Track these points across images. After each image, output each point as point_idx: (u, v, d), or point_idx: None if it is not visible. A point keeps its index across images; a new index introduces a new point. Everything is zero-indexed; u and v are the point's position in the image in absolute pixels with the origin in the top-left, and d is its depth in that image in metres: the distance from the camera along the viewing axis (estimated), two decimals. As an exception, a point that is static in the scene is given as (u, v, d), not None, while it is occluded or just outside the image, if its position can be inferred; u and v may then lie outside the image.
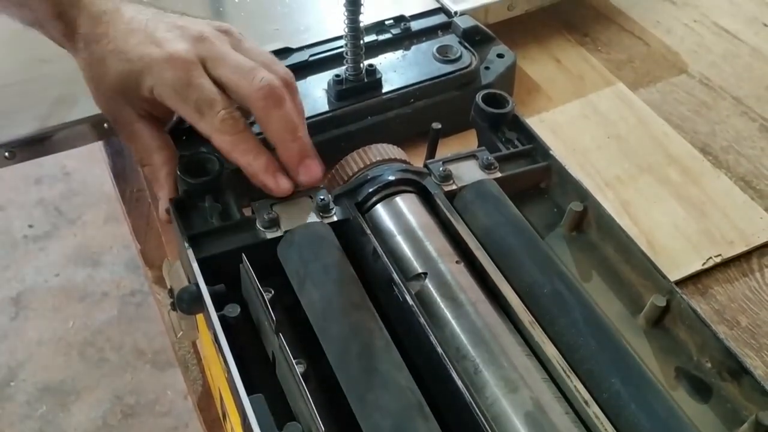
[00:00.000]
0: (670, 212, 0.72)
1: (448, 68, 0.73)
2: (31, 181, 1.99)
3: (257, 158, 0.48)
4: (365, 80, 0.71)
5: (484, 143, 0.58)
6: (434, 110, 0.71)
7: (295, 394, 0.39)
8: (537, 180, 0.56)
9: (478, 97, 0.58)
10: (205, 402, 0.58)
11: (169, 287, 0.52)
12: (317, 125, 0.70)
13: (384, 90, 0.72)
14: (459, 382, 0.40)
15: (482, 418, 0.39)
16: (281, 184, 0.47)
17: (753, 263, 0.69)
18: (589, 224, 0.53)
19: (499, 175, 0.54)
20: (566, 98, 0.86)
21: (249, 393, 0.38)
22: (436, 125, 0.56)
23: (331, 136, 0.70)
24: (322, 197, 0.49)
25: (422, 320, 0.43)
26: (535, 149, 0.56)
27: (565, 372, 0.42)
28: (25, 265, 1.83)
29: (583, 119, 0.83)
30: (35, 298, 1.76)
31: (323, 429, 0.36)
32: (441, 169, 0.52)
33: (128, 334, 1.71)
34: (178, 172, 0.48)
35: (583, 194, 0.53)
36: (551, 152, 0.55)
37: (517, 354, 0.42)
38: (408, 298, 0.44)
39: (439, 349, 0.42)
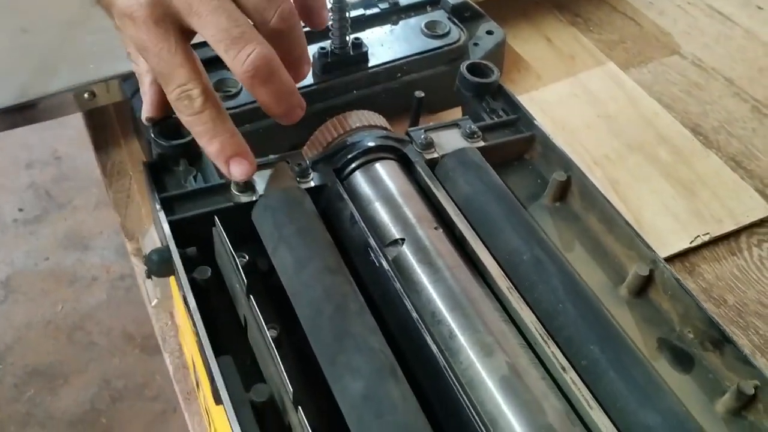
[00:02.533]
0: (658, 191, 0.71)
1: (437, 43, 0.72)
2: (21, 165, 1.98)
3: (211, 142, 0.44)
4: (351, 53, 0.70)
5: (469, 115, 0.57)
6: (421, 85, 0.70)
7: (265, 357, 0.38)
8: (521, 151, 0.55)
9: (463, 67, 0.57)
10: (181, 374, 0.57)
11: (144, 254, 0.51)
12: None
13: (370, 64, 0.71)
14: (433, 347, 0.39)
15: (456, 383, 0.38)
16: (233, 171, 0.44)
17: (741, 242, 0.69)
18: (572, 194, 0.52)
19: (482, 144, 0.53)
20: (556, 77, 0.85)
21: (218, 356, 0.37)
22: (419, 94, 0.55)
23: (316, 110, 0.69)
24: (299, 162, 0.47)
25: (397, 285, 0.42)
26: (520, 119, 0.55)
27: (542, 338, 0.41)
28: (14, 249, 1.82)
29: (572, 98, 0.82)
30: (24, 281, 1.75)
31: (291, 390, 0.35)
32: (422, 136, 0.51)
33: (117, 318, 1.70)
34: (152, 135, 0.46)
35: (567, 164, 0.52)
36: (536, 122, 0.54)
37: (493, 319, 0.41)
38: (384, 262, 0.43)
39: (414, 314, 0.41)
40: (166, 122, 0.48)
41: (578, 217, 0.52)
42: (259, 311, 0.39)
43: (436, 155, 0.51)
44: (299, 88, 0.69)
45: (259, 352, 0.40)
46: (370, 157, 0.49)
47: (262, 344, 0.39)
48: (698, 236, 0.67)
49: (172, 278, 0.48)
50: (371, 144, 0.49)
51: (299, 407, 0.35)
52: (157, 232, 0.48)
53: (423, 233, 0.45)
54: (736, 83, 0.86)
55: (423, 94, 0.55)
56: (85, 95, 0.68)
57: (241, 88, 0.67)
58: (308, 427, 0.34)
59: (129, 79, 0.70)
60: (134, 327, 1.70)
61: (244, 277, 0.40)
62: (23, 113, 0.68)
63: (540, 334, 0.41)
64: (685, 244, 0.66)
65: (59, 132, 2.05)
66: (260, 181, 0.47)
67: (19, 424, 1.53)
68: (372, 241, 0.44)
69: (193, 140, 0.47)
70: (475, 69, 0.57)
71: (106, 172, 0.71)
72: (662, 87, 0.85)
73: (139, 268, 0.64)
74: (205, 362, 0.38)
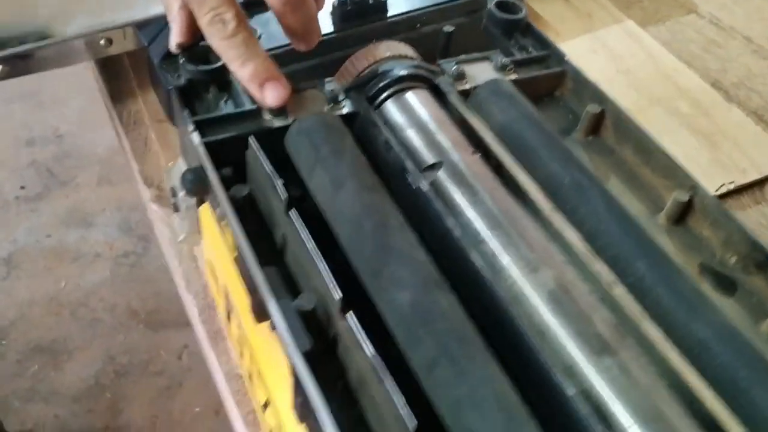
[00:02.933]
0: (680, 143, 0.70)
1: (457, -6, 0.71)
2: (22, 143, 1.96)
3: (244, 66, 0.45)
4: (370, 2, 0.69)
5: (498, 52, 0.56)
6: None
7: (309, 269, 0.38)
8: (551, 86, 0.54)
9: (492, 4, 0.56)
10: (207, 315, 0.56)
11: (170, 187, 0.50)
12: (320, 46, 0.68)
13: (389, 14, 0.70)
14: (478, 261, 0.39)
15: (502, 298, 0.38)
16: (267, 96, 0.44)
17: (766, 191, 0.68)
18: (605, 128, 0.51)
19: (514, 77, 0.52)
20: (574, 34, 0.84)
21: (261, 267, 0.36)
22: (449, 28, 0.54)
23: (335, 58, 0.68)
24: (331, 89, 0.47)
25: (437, 205, 0.41)
26: (549, 56, 0.55)
27: (587, 256, 0.40)
28: (16, 227, 1.80)
29: (591, 54, 0.82)
30: (27, 258, 1.73)
31: (340, 295, 0.35)
32: (454, 68, 0.50)
33: (121, 294, 1.69)
34: (181, 61, 0.45)
35: (600, 97, 0.51)
36: (566, 58, 0.54)
37: (537, 238, 0.41)
38: (421, 184, 0.42)
39: (456, 232, 0.40)
40: (195, 49, 0.47)
41: (612, 151, 0.51)
42: (301, 223, 0.38)
43: (468, 86, 0.50)
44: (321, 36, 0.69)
45: (301, 267, 0.39)
46: (402, 85, 0.48)
47: (305, 256, 0.38)
48: (723, 185, 0.67)
49: (201, 208, 0.47)
50: (403, 72, 0.48)
51: (350, 312, 0.34)
52: (185, 159, 0.47)
53: (460, 158, 0.44)
54: (755, 41, 0.85)
55: (452, 29, 0.54)
56: (102, 42, 0.66)
57: (260, 35, 0.66)
58: (361, 330, 0.33)
59: (146, 26, 0.69)
60: (138, 303, 1.69)
61: (284, 191, 0.39)
62: (37, 58, 0.67)
63: (585, 252, 0.40)
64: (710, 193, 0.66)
65: (60, 111, 2.03)
66: (293, 107, 0.46)
67: (23, 400, 1.52)
68: (409, 164, 0.43)
69: (222, 66, 0.46)
70: (504, 6, 0.56)
71: (122, 121, 0.70)
72: (680, 45, 0.84)
73: (159, 213, 0.63)
74: (245, 276, 0.37)
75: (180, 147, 0.48)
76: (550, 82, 0.54)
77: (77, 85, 2.02)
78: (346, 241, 0.39)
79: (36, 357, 1.58)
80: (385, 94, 0.47)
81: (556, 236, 0.42)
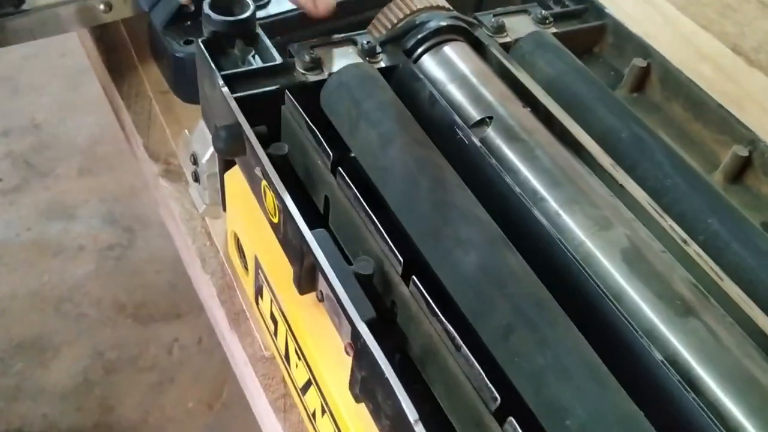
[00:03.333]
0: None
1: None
2: (-2, 134, 1.89)
3: None
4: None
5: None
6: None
7: (361, 233, 0.34)
8: (590, 42, 0.51)
9: (524, -44, 0.53)
10: (227, 295, 0.52)
11: (190, 154, 0.47)
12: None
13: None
14: (543, 221, 0.35)
15: (571, 259, 0.34)
16: (319, 4, 0.41)
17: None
18: (651, 83, 0.48)
19: (554, 30, 0.49)
20: (588, 0, 0.81)
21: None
22: (482, -20, 0.51)
23: (348, 22, 0.65)
24: (367, 41, 0.43)
25: (493, 162, 0.38)
26: (587, 10, 0.52)
27: (656, 212, 0.37)
28: (-6, 220, 1.73)
29: (607, 19, 0.79)
30: (6, 252, 1.67)
31: (401, 260, 0.31)
32: (493, 20, 0.47)
33: (107, 288, 1.63)
34: (206, 9, 0.42)
35: (645, 50, 0.48)
36: (607, 10, 0.51)
37: (601, 194, 0.38)
38: (474, 139, 0.39)
39: (517, 189, 0.37)
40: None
41: (659, 107, 0.48)
42: (348, 181, 0.35)
43: (508, 39, 0.47)
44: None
45: (352, 230, 0.35)
46: (441, 38, 0.44)
47: (356, 218, 0.34)
48: (754, 148, 0.64)
49: (228, 174, 0.44)
50: (442, 24, 0.44)
51: (413, 276, 0.31)
52: (209, 123, 0.43)
53: (510, 112, 0.41)
54: (770, 6, 0.83)
55: (487, -20, 0.50)
56: (101, 6, 0.62)
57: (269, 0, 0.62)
58: (426, 295, 0.30)
59: (145, -8, 0.65)
60: (125, 296, 1.63)
61: (328, 149, 0.36)
62: (33, 22, 0.62)
63: (654, 209, 0.37)
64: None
65: (35, 99, 1.96)
66: (327, 61, 0.42)
67: (9, 399, 1.47)
68: (458, 119, 0.40)
69: (249, 18, 0.42)
70: (536, -42, 0.53)
71: (123, 94, 0.66)
72: (695, 9, 0.82)
73: (169, 189, 0.59)
74: (289, 243, 0.34)
75: (202, 108, 0.44)
76: (589, 37, 0.51)
77: (54, 70, 1.95)
78: (398, 200, 0.36)
79: (20, 354, 1.52)
80: (423, 47, 0.44)
81: (619, 193, 0.39)
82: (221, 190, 0.46)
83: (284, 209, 0.34)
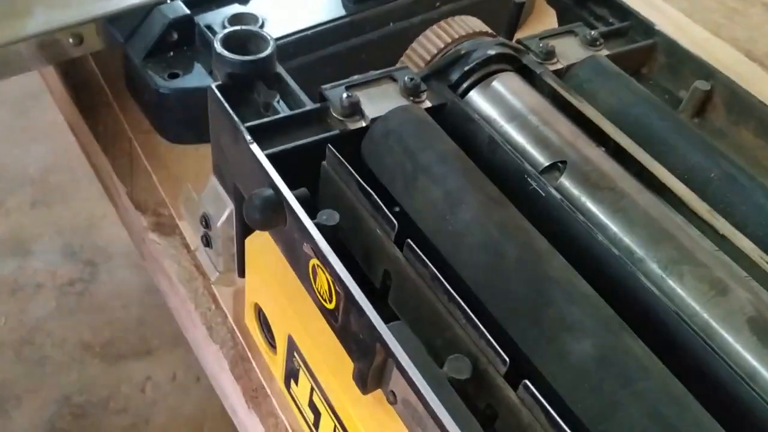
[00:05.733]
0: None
1: (480, -31, 0.63)
2: (-61, 167, 1.76)
3: None
4: (384, -22, 0.60)
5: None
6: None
7: (442, 319, 0.28)
8: (639, 63, 0.46)
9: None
10: (242, 369, 0.45)
11: (201, 214, 0.40)
12: (332, 32, 0.58)
13: (406, -8, 0.61)
14: (651, 288, 0.30)
15: (687, 334, 0.29)
16: None
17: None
18: (714, 107, 0.43)
19: (606, 52, 0.43)
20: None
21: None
22: (518, -1, 0.45)
23: (349, 46, 0.59)
24: (410, 77, 0.37)
25: (579, 217, 0.32)
26: (632, 27, 0.46)
27: (772, 267, 0.32)
28: (-58, 261, 1.61)
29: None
30: (-42, 295, 1.55)
31: (507, 360, 0.25)
32: (541, 44, 0.41)
33: (71, 327, 1.53)
34: (218, 48, 0.35)
35: (707, 71, 0.43)
36: (656, 27, 0.45)
37: (706, 249, 0.32)
38: (553, 191, 0.33)
39: (615, 250, 0.31)
40: (232, 35, 0.36)
41: (723, 133, 0.43)
42: (420, 253, 0.28)
43: (560, 65, 0.41)
44: (330, 21, 0.59)
45: (427, 316, 0.29)
46: (490, 68, 0.38)
47: (435, 303, 0.28)
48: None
49: (251, 239, 0.37)
50: (490, 53, 0.38)
51: (527, 381, 0.25)
52: (224, 181, 0.36)
53: (584, 154, 0.35)
54: (775, 8, 0.80)
55: (524, 0, 0.45)
56: (70, 39, 0.54)
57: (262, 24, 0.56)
58: (545, 404, 0.24)
59: (117, 21, 0.58)
60: (91, 335, 1.53)
61: (392, 219, 0.29)
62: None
63: (766, 262, 0.32)
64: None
65: (-21, 128, 1.84)
66: (366, 103, 0.36)
67: (-31, 456, 1.36)
68: (528, 167, 0.34)
69: (270, 56, 0.36)
70: (570, -28, 0.48)
71: (97, 135, 0.58)
72: (702, 15, 0.78)
73: (162, 245, 0.52)
74: (347, 332, 0.27)
75: (214, 163, 0.38)
76: (638, 58, 0.45)
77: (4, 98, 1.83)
78: (478, 275, 0.30)
79: (-21, 405, 1.41)
80: (470, 81, 0.38)
81: (721, 244, 0.33)
82: (238, 257, 0.39)
83: (347, 296, 0.28)
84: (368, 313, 0.27)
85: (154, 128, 0.58)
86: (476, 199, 0.31)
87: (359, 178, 0.31)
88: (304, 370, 0.35)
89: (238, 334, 0.47)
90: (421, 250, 0.30)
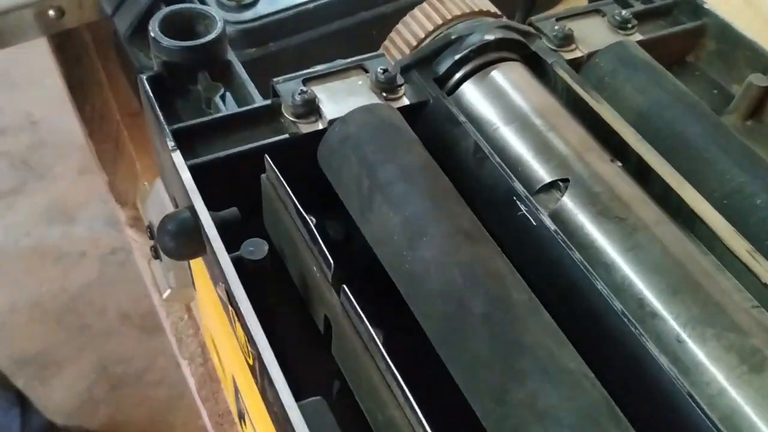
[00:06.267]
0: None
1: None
2: (-6, 132, 1.78)
3: None
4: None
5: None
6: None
7: (381, 394, 0.22)
8: (682, 50, 0.38)
9: (588, -65, 0.40)
10: (208, 390, 0.40)
11: (147, 224, 0.34)
12: (342, 4, 0.52)
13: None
14: (660, 360, 0.23)
15: (711, 422, 0.22)
16: None
17: None
18: (774, 107, 0.35)
19: (639, 37, 0.35)
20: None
21: (298, 396, 0.21)
22: (535, -30, 0.38)
23: (358, 21, 0.52)
24: (382, 68, 0.30)
25: (576, 255, 0.25)
26: (678, 5, 0.38)
27: (831, 333, 0.24)
28: (-9, 225, 1.63)
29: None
30: (5, 260, 1.57)
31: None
32: (556, 27, 0.34)
33: (111, 297, 1.53)
34: (154, 32, 0.29)
35: (766, 62, 0.35)
36: (706, 6, 0.37)
37: (741, 304, 0.25)
38: (546, 220, 0.26)
39: (617, 304, 0.24)
40: (175, 14, 0.30)
41: (784, 141, 0.35)
42: (354, 302, 0.22)
43: (579, 53, 0.34)
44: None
45: (364, 381, 0.23)
46: (487, 57, 0.31)
47: (369, 367, 0.22)
48: None
49: (195, 263, 0.31)
50: (488, 37, 0.31)
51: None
52: (166, 187, 0.31)
53: (593, 170, 0.28)
54: None
55: (542, -30, 0.37)
56: (50, 12, 0.50)
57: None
58: None
59: (108, -8, 0.53)
60: (131, 305, 1.53)
61: (329, 257, 0.23)
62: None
63: (824, 326, 0.25)
64: None
65: (33, 93, 1.84)
66: (327, 100, 0.29)
67: (9, 419, 1.38)
68: (519, 186, 0.27)
69: (216, 41, 0.30)
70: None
71: (84, 117, 0.54)
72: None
73: (139, 243, 0.48)
74: (275, 410, 0.21)
75: (157, 165, 0.32)
76: (682, 44, 0.37)
77: (51, 62, 1.84)
78: (436, 330, 0.23)
79: (21, 371, 1.43)
80: (462, 72, 0.31)
81: (763, 296, 0.26)
82: (191, 272, 0.34)
83: (259, 359, 0.22)
84: (278, 386, 0.21)
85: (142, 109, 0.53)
86: (441, 230, 0.24)
87: (295, 201, 0.24)
88: (248, 416, 0.30)
89: (209, 350, 0.42)
90: (376, 288, 0.24)
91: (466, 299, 0.23)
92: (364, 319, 0.22)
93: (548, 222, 0.26)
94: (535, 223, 0.26)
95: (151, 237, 0.34)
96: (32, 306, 1.56)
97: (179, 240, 0.24)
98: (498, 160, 0.28)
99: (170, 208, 0.33)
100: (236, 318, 0.23)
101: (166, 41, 0.28)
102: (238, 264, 0.24)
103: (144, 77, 0.28)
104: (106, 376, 1.46)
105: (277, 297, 0.26)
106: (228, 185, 0.27)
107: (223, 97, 0.30)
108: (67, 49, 0.58)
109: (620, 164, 0.29)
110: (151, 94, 0.28)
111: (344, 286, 0.22)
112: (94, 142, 0.53)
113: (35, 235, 1.66)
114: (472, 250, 0.24)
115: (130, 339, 1.51)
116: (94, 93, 0.55)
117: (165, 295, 0.36)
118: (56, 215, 1.69)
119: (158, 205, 0.32)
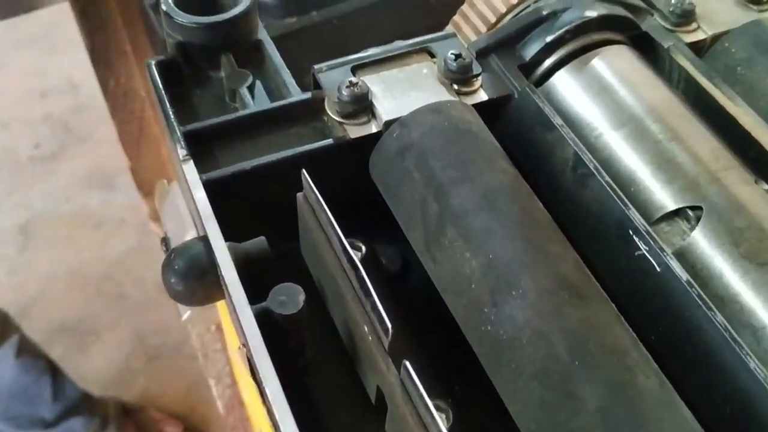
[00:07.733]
0: None
1: None
2: (35, 95, 1.76)
3: None
4: None
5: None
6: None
7: None
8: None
9: None
10: (236, 417, 0.35)
11: (163, 235, 0.29)
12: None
13: None
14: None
15: None
16: None
17: None
18: None
19: (777, 13, 0.28)
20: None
21: None
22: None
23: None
24: (454, 53, 0.23)
25: (719, 318, 0.19)
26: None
27: None
28: (31, 190, 1.62)
29: None
30: (45, 226, 1.56)
31: None
32: (674, 1, 0.26)
33: (150, 266, 1.50)
34: (167, 5, 0.23)
35: None
36: None
37: None
38: (675, 266, 0.19)
39: (760, 374, 0.18)
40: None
41: None
42: (418, 383, 0.16)
43: (702, 35, 0.27)
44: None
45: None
46: (587, 39, 0.24)
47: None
48: None
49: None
50: (590, 15, 0.24)
51: None
52: (186, 200, 0.25)
53: (732, 195, 0.21)
54: None
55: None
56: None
57: None
58: None
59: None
60: (169, 276, 1.50)
61: (386, 320, 0.17)
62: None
63: None
64: None
65: (74, 56, 1.81)
66: (382, 95, 0.23)
67: (48, 387, 1.37)
68: (636, 216, 0.20)
69: (244, 15, 0.23)
70: None
71: (107, 93, 0.48)
72: None
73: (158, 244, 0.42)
74: None
75: (174, 172, 0.26)
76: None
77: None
78: (530, 421, 0.17)
79: (59, 338, 1.42)
80: (554, 58, 0.24)
81: None
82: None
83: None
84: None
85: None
86: (538, 281, 0.18)
87: (341, 237, 0.18)
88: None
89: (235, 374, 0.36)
90: (439, 338, 0.18)
91: (575, 385, 0.16)
92: (431, 406, 0.16)
93: (678, 269, 0.19)
94: (658, 268, 0.19)
95: (165, 248, 0.28)
96: (72, 274, 1.54)
97: (189, 282, 0.19)
98: (607, 178, 0.21)
99: (188, 220, 0.27)
100: (261, 396, 0.17)
101: (182, 17, 0.22)
102: (265, 318, 0.18)
103: (152, 62, 0.22)
104: (144, 347, 1.44)
105: (315, 350, 0.20)
106: (255, 205, 0.21)
107: (251, 88, 0.23)
108: (91, 15, 0.52)
109: (766, 186, 0.22)
110: (161, 85, 0.22)
111: (406, 362, 0.16)
112: (116, 122, 0.47)
113: (75, 201, 1.64)
114: (581, 311, 0.18)
115: (167, 310, 1.48)
116: (119, 65, 0.50)
117: (184, 317, 0.31)
118: (96, 181, 1.67)
119: (174, 212, 0.26)
